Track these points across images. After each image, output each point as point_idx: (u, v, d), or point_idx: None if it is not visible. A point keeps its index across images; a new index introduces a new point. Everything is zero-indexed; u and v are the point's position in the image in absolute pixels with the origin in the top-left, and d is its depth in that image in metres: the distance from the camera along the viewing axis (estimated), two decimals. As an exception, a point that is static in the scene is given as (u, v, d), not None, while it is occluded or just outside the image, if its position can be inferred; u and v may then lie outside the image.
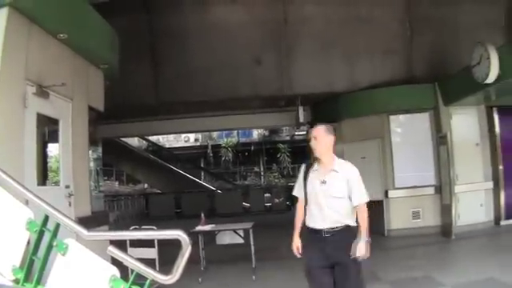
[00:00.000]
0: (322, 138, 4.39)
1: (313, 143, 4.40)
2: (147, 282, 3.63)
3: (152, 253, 6.28)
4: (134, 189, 32.59)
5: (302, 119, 13.47)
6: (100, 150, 13.45)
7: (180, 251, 2.60)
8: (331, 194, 4.27)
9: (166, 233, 3.58)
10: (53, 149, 7.16)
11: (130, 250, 5.93)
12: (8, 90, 5.49)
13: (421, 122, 12.18)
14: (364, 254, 4.14)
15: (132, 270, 2.62)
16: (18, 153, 5.59)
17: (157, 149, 34.40)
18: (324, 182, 4.31)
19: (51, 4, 6.27)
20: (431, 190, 11.77)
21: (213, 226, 8.68)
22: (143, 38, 12.23)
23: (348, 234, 4.25)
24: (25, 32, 5.88)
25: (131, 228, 6.31)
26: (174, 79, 12.35)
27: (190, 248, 2.80)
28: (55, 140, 7.04)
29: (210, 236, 8.80)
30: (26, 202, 4.53)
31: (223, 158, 35.60)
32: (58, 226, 4.19)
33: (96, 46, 7.87)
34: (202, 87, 12.35)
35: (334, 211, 4.26)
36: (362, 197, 4.32)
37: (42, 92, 6.07)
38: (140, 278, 2.63)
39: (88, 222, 4.91)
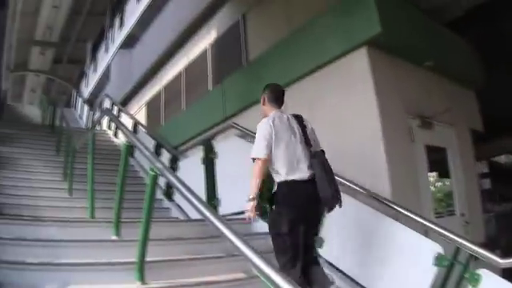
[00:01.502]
0: None
1: None
2: None
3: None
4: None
5: None
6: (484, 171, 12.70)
7: None
8: None
9: None
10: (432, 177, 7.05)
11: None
12: (393, 127, 5.64)
13: None
14: (247, 214, 3.76)
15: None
16: (413, 187, 5.66)
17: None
18: None
19: (411, 35, 6.32)
20: None
21: None
22: (493, 46, 11.27)
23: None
24: (390, 66, 6.04)
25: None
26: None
27: None
28: (438, 168, 7.04)
29: None
30: (425, 233, 4.48)
31: None
32: (470, 257, 3.95)
33: (460, 65, 7.64)
34: None
35: None
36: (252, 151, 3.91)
37: (426, 123, 6.08)
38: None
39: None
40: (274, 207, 3.90)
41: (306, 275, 3.81)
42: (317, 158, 3.95)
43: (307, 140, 4.03)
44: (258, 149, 3.85)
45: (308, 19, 6.63)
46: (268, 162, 3.85)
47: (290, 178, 3.83)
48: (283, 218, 3.74)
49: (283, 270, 3.56)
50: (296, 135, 3.99)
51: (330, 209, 3.99)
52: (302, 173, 3.84)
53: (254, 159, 3.86)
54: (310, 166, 3.88)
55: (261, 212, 3.83)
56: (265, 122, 4.01)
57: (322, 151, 4.12)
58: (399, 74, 6.13)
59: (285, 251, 3.77)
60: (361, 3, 5.79)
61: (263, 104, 4.25)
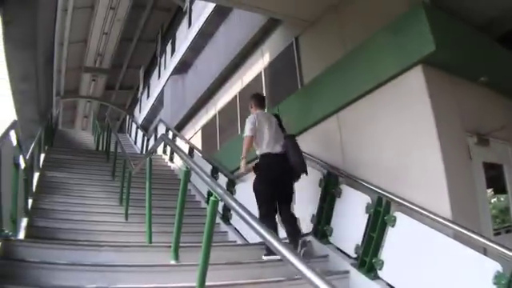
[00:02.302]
0: None
1: None
2: None
3: None
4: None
5: None
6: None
7: None
8: None
9: None
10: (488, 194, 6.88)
11: None
12: (451, 145, 5.52)
13: None
14: (241, 170, 6.22)
15: None
16: (472, 205, 5.53)
17: None
18: None
19: (465, 51, 6.21)
20: None
21: None
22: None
23: None
24: (446, 83, 5.96)
25: None
26: None
27: None
28: (494, 185, 6.85)
29: None
30: (484, 252, 4.36)
31: None
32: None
33: None
34: None
35: None
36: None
37: (483, 140, 5.95)
38: None
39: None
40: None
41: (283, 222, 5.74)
42: (288, 139, 6.07)
43: (282, 128, 6.25)
44: (247, 130, 6.03)
45: (363, 39, 6.59)
46: (253, 139, 5.98)
47: (267, 151, 5.95)
48: (262, 178, 5.89)
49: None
50: (272, 125, 6.13)
51: (298, 177, 5.95)
52: (275, 149, 5.96)
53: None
54: (283, 145, 5.97)
55: (251, 170, 6.04)
56: (252, 115, 6.24)
57: (293, 135, 6.26)
58: (455, 91, 6.03)
59: (262, 202, 5.76)
60: (414, 22, 5.74)
61: (251, 107, 6.49)
